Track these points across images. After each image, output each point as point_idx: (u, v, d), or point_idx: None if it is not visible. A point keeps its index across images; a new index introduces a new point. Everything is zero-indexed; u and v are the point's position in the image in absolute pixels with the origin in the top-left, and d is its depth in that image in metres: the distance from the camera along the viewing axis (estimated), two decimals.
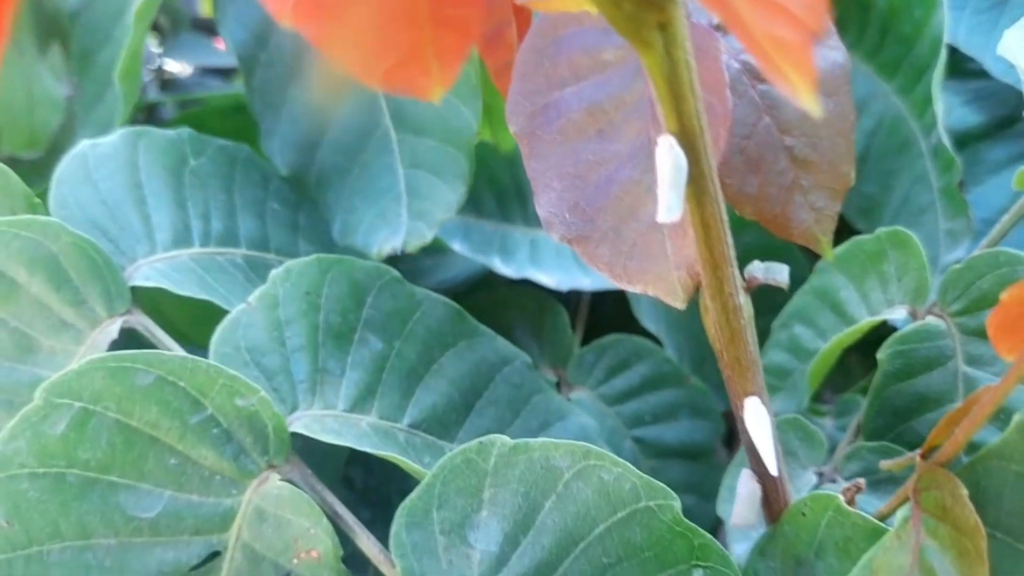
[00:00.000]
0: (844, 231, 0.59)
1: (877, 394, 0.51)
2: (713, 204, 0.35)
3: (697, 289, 0.40)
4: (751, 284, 0.41)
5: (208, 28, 1.00)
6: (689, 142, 0.33)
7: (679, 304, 0.40)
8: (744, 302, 0.39)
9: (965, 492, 0.36)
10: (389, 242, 0.55)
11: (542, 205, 0.42)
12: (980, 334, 0.49)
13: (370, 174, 0.57)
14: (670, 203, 0.33)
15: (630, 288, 0.41)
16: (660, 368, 0.65)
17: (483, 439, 0.42)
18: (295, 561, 0.43)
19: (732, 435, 0.72)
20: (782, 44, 0.24)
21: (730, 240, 0.37)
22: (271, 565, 0.43)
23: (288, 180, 0.60)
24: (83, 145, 0.54)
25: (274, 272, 0.50)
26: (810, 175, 0.44)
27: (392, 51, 0.27)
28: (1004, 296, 0.32)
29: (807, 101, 0.24)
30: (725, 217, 0.36)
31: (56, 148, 0.76)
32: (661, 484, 0.40)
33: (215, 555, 0.43)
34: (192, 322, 0.57)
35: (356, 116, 0.58)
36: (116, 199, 0.53)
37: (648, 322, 0.67)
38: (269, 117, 0.60)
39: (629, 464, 0.41)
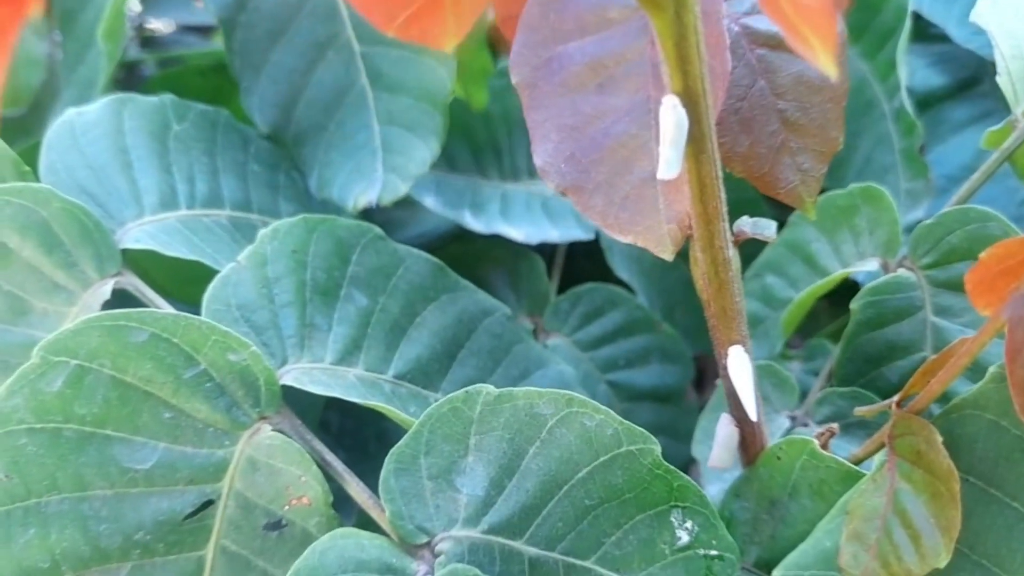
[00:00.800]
0: None
1: (849, 342, 0.52)
2: (710, 163, 0.36)
3: (685, 242, 0.41)
4: (739, 238, 0.41)
5: None
6: (692, 102, 0.34)
7: (667, 256, 0.41)
8: (732, 255, 0.39)
9: (939, 438, 0.37)
10: (365, 195, 0.56)
11: (539, 154, 0.42)
12: (949, 286, 0.50)
13: (346, 131, 0.58)
14: (670, 160, 0.34)
15: (621, 238, 0.41)
16: (633, 315, 0.66)
17: (469, 388, 0.42)
18: (286, 508, 0.44)
19: (701, 379, 0.73)
20: (806, 11, 0.25)
21: (723, 197, 0.37)
22: (263, 512, 0.44)
23: (267, 138, 0.60)
24: (69, 113, 0.54)
25: (262, 231, 0.50)
26: (800, 138, 0.44)
27: (411, 2, 0.27)
28: (984, 255, 0.33)
29: (827, 66, 0.24)
30: (720, 175, 0.37)
31: (38, 106, 0.76)
32: (641, 429, 0.41)
33: (208, 504, 0.43)
34: (178, 284, 0.56)
35: (333, 75, 0.58)
36: (103, 164, 0.53)
37: (622, 272, 0.68)
38: (248, 76, 0.60)
39: (611, 411, 0.41)
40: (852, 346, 0.52)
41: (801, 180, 0.45)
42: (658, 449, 0.41)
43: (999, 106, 0.65)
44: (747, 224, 0.42)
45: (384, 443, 0.43)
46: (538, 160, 0.43)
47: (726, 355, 0.42)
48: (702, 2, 0.32)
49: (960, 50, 0.67)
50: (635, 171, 0.41)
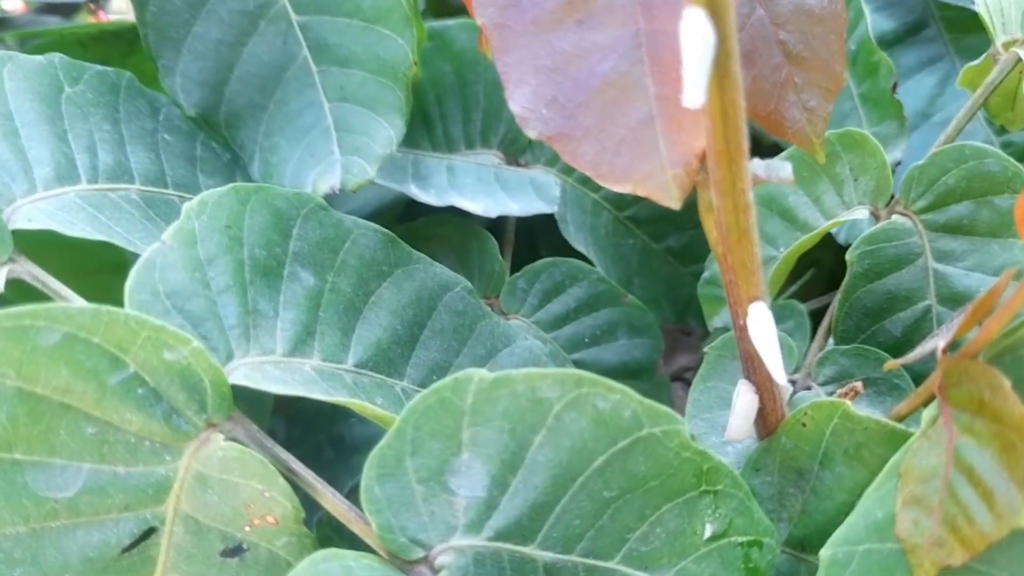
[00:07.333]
0: (760, 145, 0.54)
1: (847, 296, 0.46)
2: (735, 89, 0.29)
3: (692, 188, 0.34)
4: (752, 184, 0.34)
5: None
6: (717, 15, 0.28)
7: (674, 204, 0.33)
8: (752, 201, 0.33)
9: (1007, 383, 0.30)
10: (325, 180, 0.47)
11: (515, 100, 0.34)
12: (948, 229, 0.45)
13: (290, 110, 0.50)
14: (696, 84, 0.27)
15: (618, 188, 0.34)
16: (595, 288, 0.58)
17: (458, 375, 0.34)
18: (247, 529, 0.35)
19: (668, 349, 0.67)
20: None
21: (746, 131, 0.31)
22: (219, 536, 0.35)
23: (193, 119, 0.51)
24: None
25: (187, 205, 0.40)
26: (803, 72, 0.39)
27: None
28: None
29: None
30: (743, 104, 0.30)
31: None
32: (666, 408, 0.34)
33: (151, 532, 0.34)
34: (79, 276, 0.46)
35: (268, 48, 0.49)
36: None
37: (577, 243, 0.60)
38: (168, 53, 0.50)
39: (628, 389, 0.34)
40: (850, 300, 0.46)
41: (808, 119, 0.39)
42: (685, 429, 0.34)
43: (946, 50, 0.61)
44: (759, 167, 0.35)
45: (340, 449, 0.35)
46: (515, 107, 0.35)
47: (744, 314, 0.36)
48: None
49: None
50: (629, 113, 0.34)
